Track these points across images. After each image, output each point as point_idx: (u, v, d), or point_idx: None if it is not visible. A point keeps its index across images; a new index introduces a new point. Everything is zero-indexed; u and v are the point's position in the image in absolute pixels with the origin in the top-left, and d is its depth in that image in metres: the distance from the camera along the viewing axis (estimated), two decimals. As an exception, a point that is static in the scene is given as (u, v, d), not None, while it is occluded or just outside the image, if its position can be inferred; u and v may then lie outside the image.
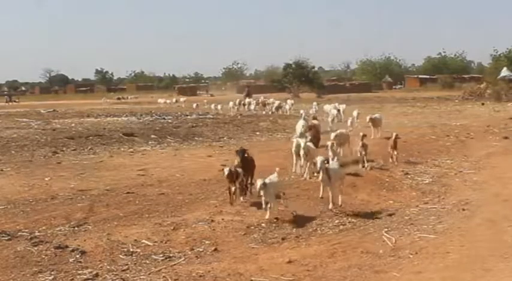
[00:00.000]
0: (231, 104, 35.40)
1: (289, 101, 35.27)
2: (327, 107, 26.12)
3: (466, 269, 6.60)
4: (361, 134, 13.66)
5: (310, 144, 12.28)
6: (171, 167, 13.66)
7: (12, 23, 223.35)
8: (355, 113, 21.92)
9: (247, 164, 10.34)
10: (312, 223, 8.80)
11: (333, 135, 13.50)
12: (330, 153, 12.17)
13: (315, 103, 31.19)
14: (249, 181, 10.35)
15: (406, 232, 8.21)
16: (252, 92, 49.08)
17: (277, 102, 34.11)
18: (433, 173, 12.80)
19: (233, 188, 9.63)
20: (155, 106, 47.06)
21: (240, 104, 36.52)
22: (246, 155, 10.47)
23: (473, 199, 10.07)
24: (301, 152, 11.92)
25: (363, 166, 12.79)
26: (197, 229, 8.24)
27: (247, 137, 20.58)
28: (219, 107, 36.01)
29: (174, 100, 52.25)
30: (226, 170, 9.52)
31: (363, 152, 12.95)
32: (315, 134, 14.28)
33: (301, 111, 27.37)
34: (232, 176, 9.54)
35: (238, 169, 9.83)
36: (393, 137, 13.52)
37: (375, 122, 18.94)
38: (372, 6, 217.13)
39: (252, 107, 35.38)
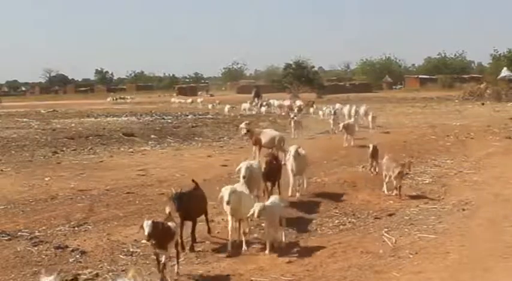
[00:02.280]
0: (245, 105, 33.98)
1: (298, 102, 33.88)
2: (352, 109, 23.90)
3: (466, 269, 6.60)
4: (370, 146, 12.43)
5: (240, 187, 8.02)
6: (171, 167, 13.67)
7: (12, 23, 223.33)
8: (370, 118, 20.96)
9: (194, 207, 7.57)
10: (312, 223, 8.81)
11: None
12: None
13: (338, 105, 27.33)
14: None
15: (406, 232, 8.21)
16: (260, 92, 47.78)
17: (298, 104, 32.39)
18: (433, 173, 12.79)
19: (162, 258, 6.12)
20: (156, 107, 46.61)
21: (251, 104, 35.01)
22: (186, 198, 7.35)
23: (473, 199, 10.07)
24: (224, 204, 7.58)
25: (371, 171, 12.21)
26: (197, 229, 8.23)
27: (247, 137, 20.55)
28: (226, 108, 34.08)
29: (190, 100, 49.24)
30: (147, 226, 5.83)
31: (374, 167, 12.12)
32: (271, 161, 9.66)
33: (320, 112, 26.30)
34: (158, 237, 5.96)
35: (171, 224, 6.39)
36: (371, 148, 12.27)
37: (349, 129, 17.22)
38: (372, 7, 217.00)
39: (263, 109, 33.15)
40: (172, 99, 52.29)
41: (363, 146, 15.88)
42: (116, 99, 63.13)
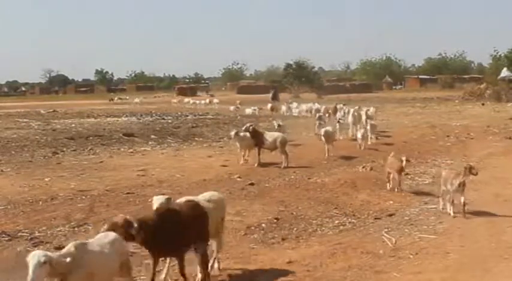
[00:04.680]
0: (284, 108, 32.38)
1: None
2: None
3: (466, 269, 6.61)
4: (403, 158, 10.75)
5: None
6: (171, 168, 13.66)
7: (13, 24, 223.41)
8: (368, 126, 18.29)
9: None
10: (312, 224, 8.80)
11: None
12: None
13: (372, 108, 24.92)
14: None
15: (406, 232, 8.21)
16: (278, 93, 44.70)
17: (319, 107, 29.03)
18: (433, 173, 12.79)
19: None
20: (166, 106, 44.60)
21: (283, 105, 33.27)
22: None
23: (473, 199, 10.07)
24: None
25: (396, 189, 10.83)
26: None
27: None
28: (248, 110, 32.18)
29: (207, 101, 45.61)
30: None
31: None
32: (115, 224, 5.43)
33: (338, 115, 23.43)
34: None
35: None
36: (403, 162, 10.61)
37: (329, 137, 15.35)
38: (372, 6, 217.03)
39: (285, 110, 31.57)
40: (186, 100, 49.08)
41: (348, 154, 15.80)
42: (111, 100, 62.00)
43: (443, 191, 9.24)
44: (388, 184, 11.01)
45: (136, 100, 52.85)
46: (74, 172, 13.08)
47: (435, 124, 23.73)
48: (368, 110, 22.30)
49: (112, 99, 62.21)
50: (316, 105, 29.90)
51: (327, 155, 15.12)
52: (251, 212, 9.18)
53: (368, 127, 17.92)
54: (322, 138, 15.37)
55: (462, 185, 8.74)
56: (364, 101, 36.18)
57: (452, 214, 8.93)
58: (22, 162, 14.69)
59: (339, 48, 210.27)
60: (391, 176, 10.87)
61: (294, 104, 33.10)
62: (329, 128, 16.27)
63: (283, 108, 32.81)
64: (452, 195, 9.00)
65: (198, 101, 46.38)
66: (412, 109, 35.00)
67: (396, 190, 10.82)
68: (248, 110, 32.43)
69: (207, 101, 46.03)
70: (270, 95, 43.01)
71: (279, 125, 17.97)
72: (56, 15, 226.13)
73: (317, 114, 21.49)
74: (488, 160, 14.84)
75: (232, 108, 35.82)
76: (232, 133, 14.59)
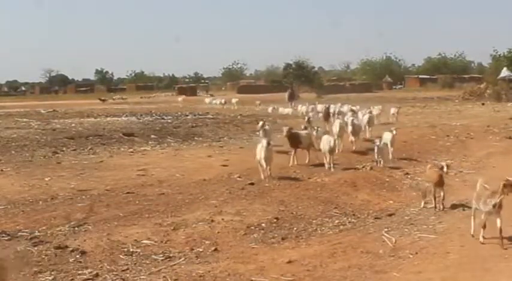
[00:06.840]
0: (304, 108, 29.30)
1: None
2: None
3: (466, 269, 6.61)
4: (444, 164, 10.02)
5: None
6: (171, 167, 13.66)
7: (12, 23, 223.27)
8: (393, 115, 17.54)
9: None
10: (312, 223, 8.81)
11: None
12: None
13: (393, 109, 24.96)
14: None
15: (406, 232, 8.22)
16: (295, 93, 41.30)
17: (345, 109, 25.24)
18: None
19: None
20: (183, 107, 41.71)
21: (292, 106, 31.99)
22: None
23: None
24: None
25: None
26: (197, 229, 8.25)
27: (247, 137, 20.55)
28: (287, 110, 30.70)
29: (223, 101, 41.49)
30: None
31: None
32: None
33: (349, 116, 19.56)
34: None
35: None
36: (445, 168, 9.60)
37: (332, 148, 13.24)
38: (372, 6, 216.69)
39: (304, 108, 28.87)
40: (206, 100, 46.27)
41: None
42: (103, 100, 58.24)
43: (476, 210, 7.69)
44: (422, 202, 9.71)
45: (179, 99, 50.02)
46: (73, 172, 13.07)
47: (435, 124, 23.73)
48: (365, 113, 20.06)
49: (104, 100, 56.92)
50: (333, 106, 26.91)
51: (331, 168, 13.03)
52: (251, 212, 9.18)
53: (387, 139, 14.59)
54: (325, 149, 13.17)
55: (498, 207, 7.16)
56: (368, 101, 35.81)
57: (481, 239, 7.43)
58: (22, 162, 14.68)
59: (339, 48, 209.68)
60: (431, 191, 9.49)
61: (319, 106, 29.68)
62: (319, 132, 14.61)
63: (304, 109, 29.74)
64: (484, 217, 7.40)
65: (214, 101, 43.67)
66: (412, 109, 34.98)
67: (438, 208, 9.42)
68: (286, 110, 31.33)
69: (223, 101, 41.82)
70: (286, 95, 40.27)
71: (264, 130, 16.03)
72: (56, 15, 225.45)
73: (306, 117, 19.65)
74: (488, 159, 14.84)
75: (270, 109, 33.23)
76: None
